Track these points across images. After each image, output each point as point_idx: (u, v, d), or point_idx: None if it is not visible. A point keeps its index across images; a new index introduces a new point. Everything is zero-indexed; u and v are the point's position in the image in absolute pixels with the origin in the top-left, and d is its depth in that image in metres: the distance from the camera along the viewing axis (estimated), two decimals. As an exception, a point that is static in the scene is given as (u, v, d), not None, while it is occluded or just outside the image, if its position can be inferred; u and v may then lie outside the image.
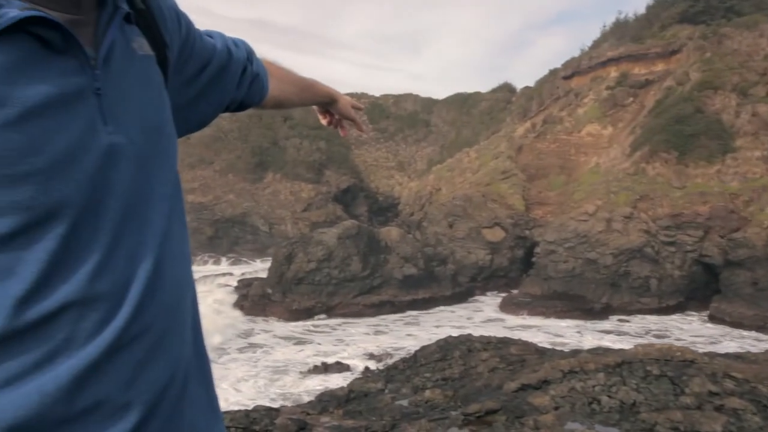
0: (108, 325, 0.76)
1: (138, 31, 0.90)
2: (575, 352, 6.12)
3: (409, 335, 24.85)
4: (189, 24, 1.06)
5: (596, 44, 43.89)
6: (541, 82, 45.59)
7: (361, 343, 23.59)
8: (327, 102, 1.59)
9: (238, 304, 29.50)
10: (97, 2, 0.83)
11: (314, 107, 1.63)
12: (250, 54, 1.27)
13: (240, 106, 1.29)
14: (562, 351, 6.77)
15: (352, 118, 1.67)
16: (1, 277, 0.69)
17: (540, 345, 7.37)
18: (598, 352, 5.68)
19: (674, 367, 4.77)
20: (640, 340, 23.33)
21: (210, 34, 1.18)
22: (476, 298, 32.98)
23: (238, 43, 1.25)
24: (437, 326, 26.52)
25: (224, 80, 1.18)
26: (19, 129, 0.69)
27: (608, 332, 25.39)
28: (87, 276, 0.75)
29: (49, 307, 0.71)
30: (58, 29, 0.73)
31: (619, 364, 4.93)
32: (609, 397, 4.42)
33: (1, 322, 0.68)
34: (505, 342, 6.96)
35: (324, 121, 1.67)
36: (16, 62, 0.70)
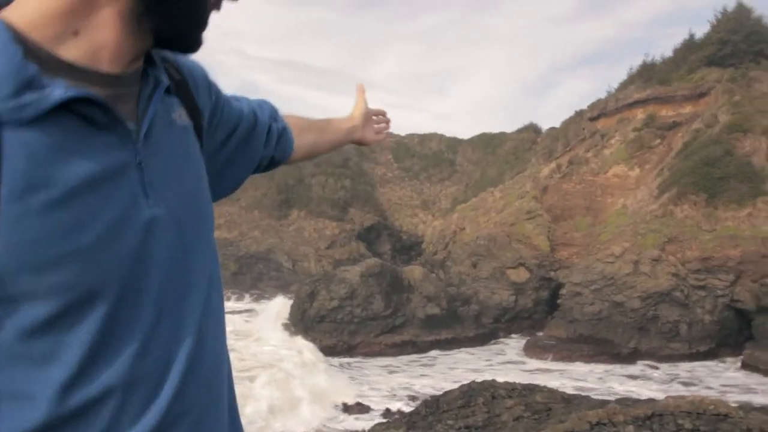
0: (150, 408, 0.75)
1: (177, 101, 0.92)
2: (603, 403, 5.94)
3: (423, 375, 24.43)
4: (218, 91, 1.09)
5: (623, 86, 43.86)
6: (567, 123, 45.58)
7: (378, 384, 23.21)
8: (351, 128, 1.55)
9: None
10: (139, 77, 0.84)
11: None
12: (273, 112, 1.30)
13: (270, 164, 1.31)
14: (589, 398, 6.58)
15: (376, 112, 1.61)
16: (44, 362, 0.68)
17: (565, 392, 7.17)
18: (627, 403, 5.50)
19: (707, 421, 4.60)
20: (669, 387, 22.60)
21: (236, 98, 1.21)
22: (500, 339, 32.38)
23: (261, 104, 1.28)
24: (452, 368, 26.03)
25: (252, 142, 1.20)
26: (64, 208, 0.69)
27: (636, 377, 24.65)
28: (130, 358, 0.74)
29: (93, 393, 0.70)
30: (102, 107, 0.74)
31: (649, 417, 4.76)
32: (639, 451, 4.26)
33: (46, 409, 0.67)
34: (530, 389, 6.79)
35: (373, 139, 1.62)
36: (60, 142, 0.70)
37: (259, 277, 46.53)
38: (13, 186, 0.66)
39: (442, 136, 63.09)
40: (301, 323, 29.46)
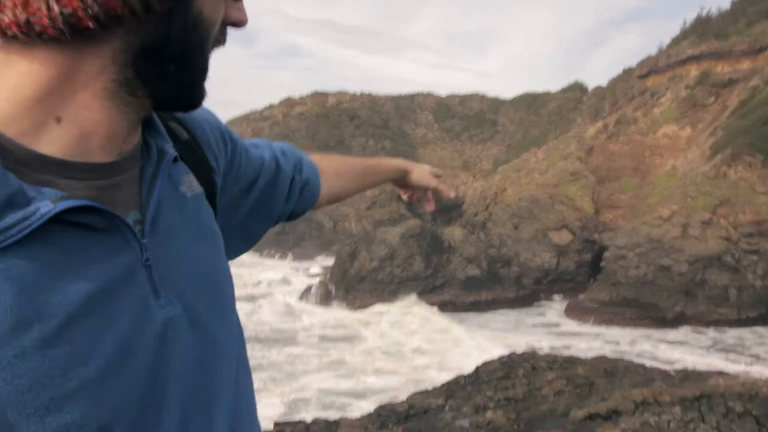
0: None
1: (185, 168, 0.80)
2: (648, 380, 5.80)
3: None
4: (234, 139, 0.97)
5: (675, 41, 41.89)
6: (615, 82, 44.01)
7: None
8: (399, 177, 1.43)
9: (302, 299, 30.00)
10: (139, 153, 0.72)
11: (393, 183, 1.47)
12: (298, 162, 1.16)
13: (288, 218, 1.19)
14: (633, 372, 6.44)
15: (433, 187, 1.50)
16: None
17: (607, 366, 7.04)
18: (674, 382, 5.35)
19: (760, 404, 4.42)
20: (714, 355, 22.16)
21: (256, 144, 1.08)
22: (541, 302, 32.21)
23: (285, 150, 1.15)
24: (491, 329, 26.07)
25: (273, 196, 1.08)
26: (61, 341, 0.58)
27: (681, 343, 24.24)
28: None
29: None
30: (99, 211, 0.63)
31: (697, 398, 4.62)
32: (686, 434, 4.14)
33: None
34: (572, 361, 6.69)
35: (405, 197, 1.51)
36: (52, 262, 0.60)
37: (301, 236, 47.22)
38: (2, 327, 0.56)
39: (483, 95, 61.89)
40: (342, 283, 29.87)
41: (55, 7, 0.58)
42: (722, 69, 35.80)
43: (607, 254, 31.37)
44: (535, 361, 6.75)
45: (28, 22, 0.58)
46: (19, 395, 0.57)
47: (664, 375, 6.46)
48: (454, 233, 32.84)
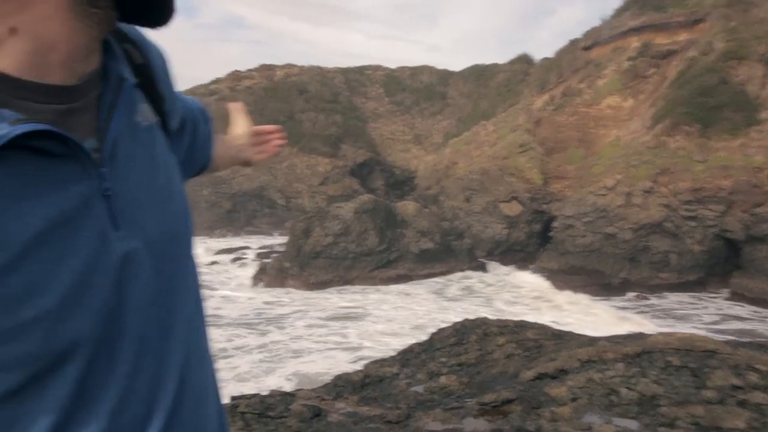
0: None
1: (141, 96, 0.76)
2: (594, 339, 6.04)
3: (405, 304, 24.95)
4: (172, 75, 0.94)
5: (618, 13, 42.71)
6: (561, 53, 44.68)
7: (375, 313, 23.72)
8: (240, 146, 1.35)
9: (257, 278, 29.75)
10: (98, 78, 0.68)
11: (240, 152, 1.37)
12: (204, 113, 1.13)
13: (198, 171, 1.15)
14: (580, 335, 6.69)
15: (262, 130, 1.42)
16: (11, 430, 0.60)
17: (556, 327, 7.30)
18: (618, 340, 5.59)
19: (696, 358, 4.68)
20: (658, 320, 23.20)
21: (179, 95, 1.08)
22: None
23: (196, 103, 1.13)
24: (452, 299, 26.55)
25: (197, 143, 1.07)
26: (17, 271, 0.56)
27: (625, 309, 25.26)
28: (107, 416, 0.64)
29: None
30: (57, 137, 0.60)
31: (638, 354, 4.85)
32: (628, 389, 4.34)
33: None
34: (522, 326, 6.89)
35: (256, 158, 1.42)
36: (5, 188, 0.57)
37: (253, 214, 46.62)
38: None
39: (433, 68, 61.89)
40: (296, 259, 29.74)
41: None
42: (661, 40, 36.82)
43: (555, 224, 32.23)
44: (487, 327, 6.92)
45: None
46: None
47: (611, 338, 6.73)
48: (407, 207, 33.04)
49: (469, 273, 31.54)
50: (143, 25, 0.73)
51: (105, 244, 0.65)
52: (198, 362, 0.79)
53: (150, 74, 0.81)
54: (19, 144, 0.57)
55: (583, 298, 26.67)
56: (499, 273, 31.85)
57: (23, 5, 0.58)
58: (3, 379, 0.58)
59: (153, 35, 0.80)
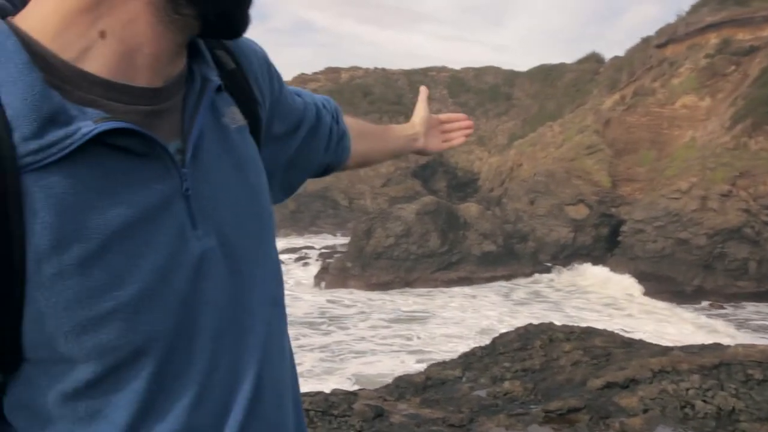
0: None
1: (229, 99, 0.78)
2: (666, 349, 5.79)
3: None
4: (280, 79, 0.95)
5: (695, 9, 40.81)
6: (633, 52, 43.13)
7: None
8: (412, 135, 1.35)
9: (319, 278, 30.20)
10: (183, 80, 0.71)
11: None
12: (336, 113, 1.13)
13: (325, 170, 1.16)
14: (651, 344, 6.43)
15: (448, 118, 1.42)
16: (91, 421, 0.62)
17: (627, 335, 7.04)
18: (693, 350, 5.33)
19: (780, 371, 4.41)
20: (735, 330, 22.01)
21: (298, 92, 1.05)
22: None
23: (325, 103, 1.12)
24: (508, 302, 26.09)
25: (314, 144, 1.06)
26: (99, 262, 0.59)
27: (700, 318, 24.10)
28: (184, 411, 0.67)
29: None
30: (140, 135, 0.63)
31: (716, 366, 4.61)
32: (704, 402, 4.14)
33: None
34: (589, 332, 6.69)
35: (438, 147, 1.42)
36: (92, 183, 0.60)
37: (317, 215, 47.36)
38: (42, 244, 0.57)
39: (498, 69, 61.06)
40: (358, 260, 29.99)
41: None
42: (743, 36, 34.89)
43: (624, 228, 31.11)
44: (552, 332, 6.76)
45: None
46: (57, 312, 0.58)
47: (683, 346, 6.44)
48: (469, 209, 32.73)
49: (537, 277, 30.91)
50: (222, 37, 0.75)
51: (183, 242, 0.67)
52: (276, 361, 0.79)
53: (242, 79, 0.83)
54: (103, 141, 0.60)
55: (660, 306, 25.60)
56: (568, 277, 31.02)
57: (111, 9, 0.61)
58: (83, 368, 0.61)
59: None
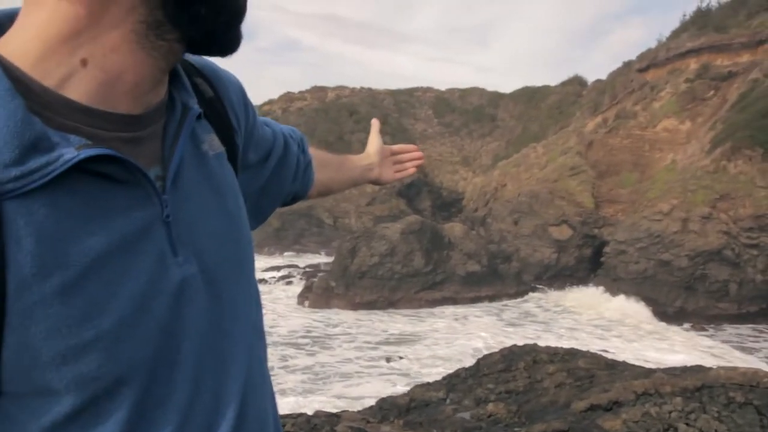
0: None
1: (208, 126, 0.78)
2: (649, 371, 5.80)
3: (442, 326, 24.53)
4: (254, 108, 0.94)
5: (675, 35, 41.80)
6: (615, 75, 43.92)
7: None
8: (367, 165, 1.37)
9: (303, 296, 29.99)
10: (164, 107, 0.70)
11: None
12: (302, 142, 1.14)
13: (293, 199, 1.16)
14: (634, 366, 6.44)
15: (400, 149, 1.45)
16: None
17: (610, 357, 7.05)
18: (675, 372, 5.35)
19: (761, 394, 4.43)
20: (715, 351, 22.17)
21: (266, 121, 1.05)
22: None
23: (292, 133, 1.13)
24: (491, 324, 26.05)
25: (283, 173, 1.06)
26: (80, 291, 0.58)
27: (682, 339, 24.24)
28: None
29: None
30: (121, 162, 0.62)
31: (698, 389, 4.62)
32: (687, 425, 4.14)
33: None
34: (573, 354, 6.69)
35: (391, 177, 1.45)
36: (72, 210, 0.59)
37: (301, 233, 47.18)
38: (22, 272, 0.56)
39: (483, 90, 61.81)
40: (342, 279, 29.86)
41: None
42: (722, 62, 35.71)
43: (607, 249, 31.36)
44: (536, 354, 6.75)
45: None
46: (37, 342, 0.57)
47: (665, 368, 6.46)
48: (454, 229, 32.82)
49: (527, 296, 30.98)
50: (211, 54, 0.74)
51: (163, 269, 0.66)
52: (258, 389, 0.78)
53: (220, 106, 0.83)
54: (84, 168, 0.59)
55: (652, 325, 25.71)
56: (555, 297, 31.11)
57: (93, 37, 0.61)
58: (63, 400, 0.59)
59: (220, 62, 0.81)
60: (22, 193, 0.57)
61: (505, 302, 30.18)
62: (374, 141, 1.40)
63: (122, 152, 0.62)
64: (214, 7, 0.65)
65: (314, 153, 1.22)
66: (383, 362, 19.98)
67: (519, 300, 30.55)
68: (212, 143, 0.77)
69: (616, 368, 6.37)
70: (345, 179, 1.34)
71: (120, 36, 0.62)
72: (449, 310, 28.56)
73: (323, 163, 1.24)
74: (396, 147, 1.44)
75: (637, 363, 7.80)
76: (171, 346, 0.66)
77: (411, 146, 1.48)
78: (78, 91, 0.61)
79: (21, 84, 0.59)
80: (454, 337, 23.17)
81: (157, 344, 0.65)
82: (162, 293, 0.65)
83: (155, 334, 0.64)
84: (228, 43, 0.71)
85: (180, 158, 0.70)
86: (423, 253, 30.37)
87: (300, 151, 1.12)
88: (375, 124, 1.42)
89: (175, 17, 0.63)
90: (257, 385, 0.78)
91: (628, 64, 43.32)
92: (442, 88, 62.57)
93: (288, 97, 58.86)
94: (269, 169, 1.02)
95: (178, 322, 0.67)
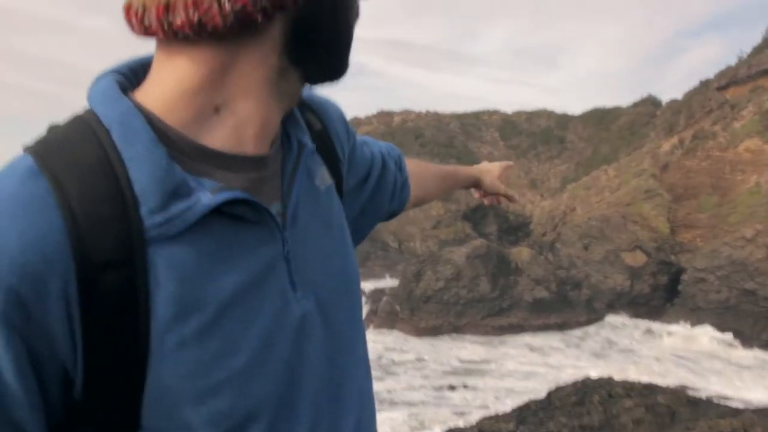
0: None
1: (319, 160, 0.80)
2: (736, 411, 5.41)
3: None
4: (354, 133, 0.96)
5: (757, 51, 39.86)
6: (691, 94, 42.20)
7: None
8: (473, 185, 1.44)
9: (368, 320, 30.04)
10: (281, 147, 0.73)
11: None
12: (399, 161, 1.14)
13: (389, 216, 1.16)
14: (718, 404, 6.04)
15: (501, 193, 1.50)
16: None
17: (692, 393, 6.64)
18: (766, 415, 4.97)
19: None
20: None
21: (364, 140, 1.05)
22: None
23: (390, 150, 1.13)
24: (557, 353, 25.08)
25: (381, 193, 1.06)
26: (216, 330, 0.61)
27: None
28: None
29: None
30: (251, 204, 0.65)
31: (794, 432, 4.27)
32: (783, 472, 3.81)
33: None
34: (651, 389, 6.34)
35: (477, 196, 1.53)
36: (208, 253, 0.62)
37: (366, 256, 47.44)
38: (165, 315, 0.58)
39: (551, 112, 60.75)
40: (407, 303, 29.74)
41: (227, 5, 0.59)
42: (810, 80, 33.72)
43: (684, 277, 29.85)
44: (611, 387, 6.44)
45: (200, 21, 0.60)
46: (177, 383, 0.59)
47: (756, 409, 6.04)
48: (521, 254, 32.16)
49: (599, 324, 29.79)
50: (323, 83, 0.76)
51: (286, 305, 0.68)
52: (370, 421, 0.80)
53: (328, 139, 0.85)
54: (219, 210, 0.62)
55: (737, 358, 24.07)
56: (629, 326, 29.76)
57: (225, 86, 0.64)
58: None
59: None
60: (165, 238, 0.59)
61: (577, 330, 29.10)
62: (497, 168, 1.48)
63: (250, 193, 0.65)
64: (331, 40, 0.69)
65: (413, 166, 1.22)
66: (450, 391, 19.59)
67: (592, 328, 29.39)
68: (323, 177, 0.79)
69: (698, 405, 5.99)
70: (443, 190, 1.37)
71: (250, 83, 0.65)
72: (520, 338, 27.76)
73: (425, 176, 1.26)
74: (504, 189, 1.50)
75: (719, 399, 7.33)
76: (293, 382, 0.68)
77: (514, 195, 1.55)
78: (211, 136, 0.65)
79: (161, 133, 0.62)
80: (524, 367, 22.48)
81: (282, 380, 0.66)
82: (285, 329, 0.67)
83: (280, 371, 0.66)
84: (341, 72, 0.74)
85: (297, 194, 0.72)
86: (489, 278, 29.87)
87: (397, 170, 1.12)
88: (510, 165, 1.51)
89: (297, 57, 0.66)
90: (369, 417, 0.79)
91: (705, 83, 41.58)
92: (509, 110, 62.07)
93: (355, 122, 59.88)
94: (368, 191, 1.02)
95: (299, 357, 0.68)
